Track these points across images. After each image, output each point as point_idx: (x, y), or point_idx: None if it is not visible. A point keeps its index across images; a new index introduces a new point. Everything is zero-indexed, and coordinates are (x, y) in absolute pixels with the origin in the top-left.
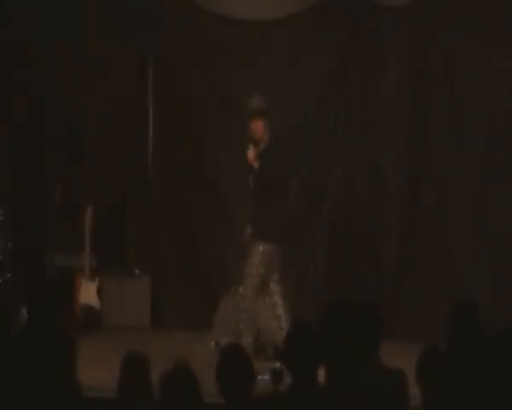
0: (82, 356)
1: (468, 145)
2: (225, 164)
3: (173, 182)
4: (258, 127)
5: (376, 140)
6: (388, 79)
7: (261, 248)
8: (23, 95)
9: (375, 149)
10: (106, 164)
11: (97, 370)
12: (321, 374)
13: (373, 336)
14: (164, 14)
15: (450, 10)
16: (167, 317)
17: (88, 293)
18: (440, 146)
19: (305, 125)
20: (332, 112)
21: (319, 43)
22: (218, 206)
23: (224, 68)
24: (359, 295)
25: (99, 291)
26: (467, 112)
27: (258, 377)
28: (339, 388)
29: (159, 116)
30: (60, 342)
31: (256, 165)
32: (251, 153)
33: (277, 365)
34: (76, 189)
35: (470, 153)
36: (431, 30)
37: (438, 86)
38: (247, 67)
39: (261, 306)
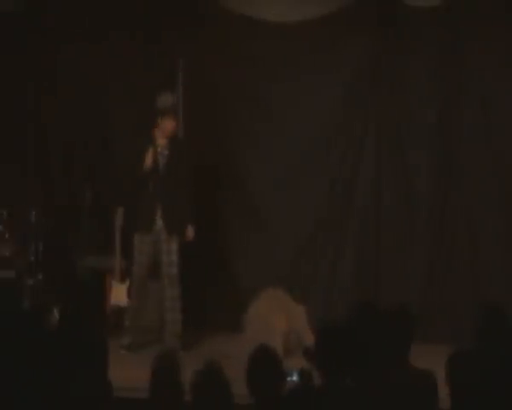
0: (112, 357)
1: (498, 146)
2: (252, 164)
3: (201, 182)
4: (171, 125)
5: (405, 140)
6: (417, 79)
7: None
8: (52, 95)
9: (404, 148)
10: (135, 165)
11: (128, 370)
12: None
13: (404, 337)
14: (192, 16)
15: (479, 10)
16: (197, 317)
17: (118, 294)
18: (470, 146)
19: (333, 125)
20: (361, 112)
21: (347, 44)
22: (245, 206)
23: (251, 69)
24: (389, 295)
25: (129, 292)
26: (497, 112)
27: (288, 378)
28: (369, 388)
29: (187, 117)
30: (91, 342)
31: (152, 165)
32: (150, 155)
33: (306, 365)
34: (106, 190)
35: (499, 153)
36: (459, 30)
37: (467, 87)
38: (275, 67)
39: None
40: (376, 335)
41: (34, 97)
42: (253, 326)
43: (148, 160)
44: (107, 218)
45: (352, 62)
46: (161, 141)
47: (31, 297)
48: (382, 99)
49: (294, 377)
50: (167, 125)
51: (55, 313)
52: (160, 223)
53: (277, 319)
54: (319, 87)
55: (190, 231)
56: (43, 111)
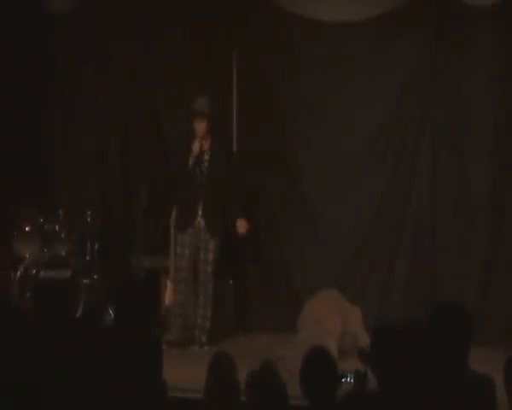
0: (167, 356)
1: None
2: (306, 164)
3: (255, 182)
4: (199, 126)
5: (462, 140)
6: (475, 79)
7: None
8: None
9: (461, 148)
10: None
11: (183, 370)
12: None
13: (463, 338)
14: (246, 14)
15: None
16: (251, 319)
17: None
18: None
19: (389, 125)
20: (417, 112)
21: (402, 43)
22: (299, 205)
23: (304, 69)
24: (444, 296)
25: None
26: None
27: (342, 380)
28: (424, 391)
29: (241, 116)
30: (145, 342)
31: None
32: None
33: (361, 367)
34: (161, 190)
35: None
36: None
37: None
38: (329, 66)
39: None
40: (435, 335)
41: (91, 97)
42: (307, 327)
43: (195, 150)
44: (163, 218)
45: (408, 62)
46: (202, 143)
47: (86, 297)
48: (439, 99)
49: (349, 379)
50: (196, 127)
51: (110, 313)
52: (201, 222)
53: (332, 320)
54: (374, 87)
55: (241, 225)
56: (100, 110)
